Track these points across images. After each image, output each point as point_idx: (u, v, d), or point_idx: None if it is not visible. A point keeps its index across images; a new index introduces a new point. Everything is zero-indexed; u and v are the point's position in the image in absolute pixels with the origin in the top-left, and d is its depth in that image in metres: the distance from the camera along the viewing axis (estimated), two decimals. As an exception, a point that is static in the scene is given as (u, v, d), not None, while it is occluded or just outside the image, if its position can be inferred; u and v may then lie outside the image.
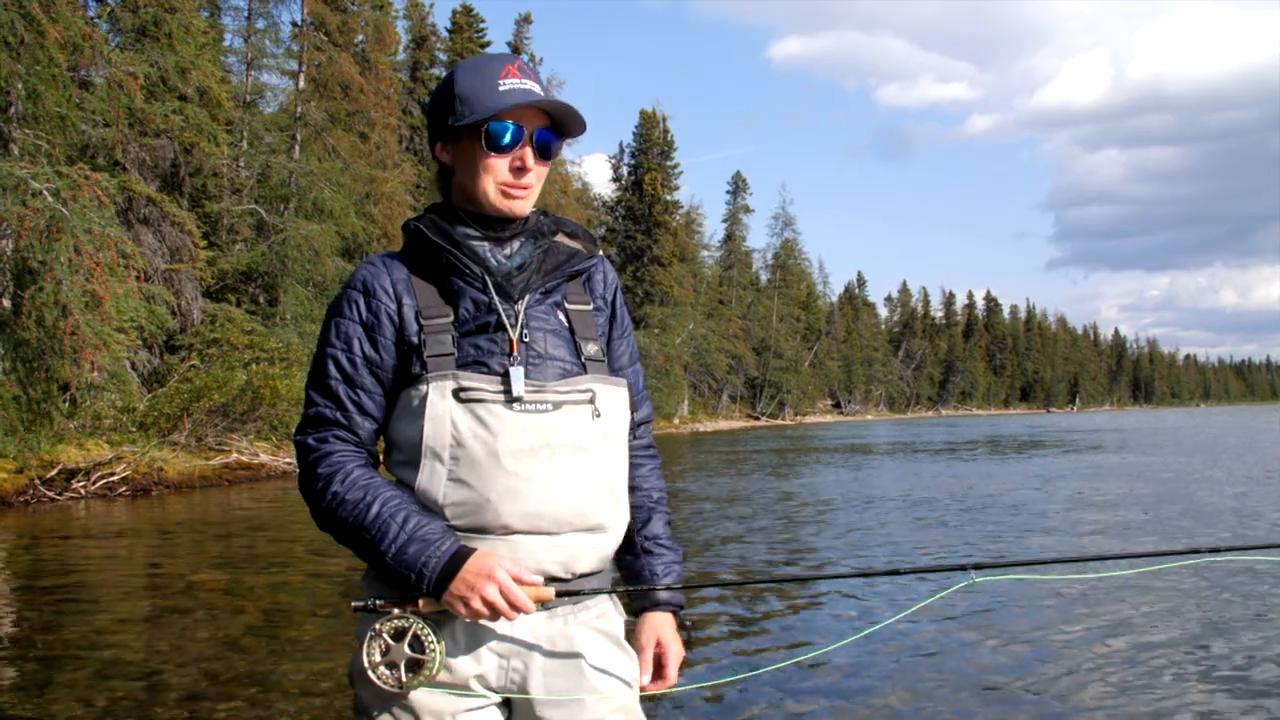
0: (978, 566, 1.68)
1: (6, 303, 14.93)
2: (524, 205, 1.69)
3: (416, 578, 1.52)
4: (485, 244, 1.67)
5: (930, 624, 6.09)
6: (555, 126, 1.69)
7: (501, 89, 1.62)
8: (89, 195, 13.68)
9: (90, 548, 9.95)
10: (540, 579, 1.57)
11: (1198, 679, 4.89)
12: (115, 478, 14.64)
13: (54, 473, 14.13)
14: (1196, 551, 1.75)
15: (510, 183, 1.66)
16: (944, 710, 4.49)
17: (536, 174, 1.68)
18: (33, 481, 13.78)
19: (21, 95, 15.21)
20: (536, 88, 1.65)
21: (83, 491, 14.15)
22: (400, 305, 1.64)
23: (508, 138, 1.64)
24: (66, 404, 15.67)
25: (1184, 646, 5.50)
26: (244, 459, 18.07)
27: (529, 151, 1.66)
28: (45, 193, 13.22)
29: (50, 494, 13.75)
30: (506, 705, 1.65)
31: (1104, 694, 4.67)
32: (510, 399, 1.58)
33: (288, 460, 18.53)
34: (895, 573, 1.81)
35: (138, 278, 15.99)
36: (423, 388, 1.59)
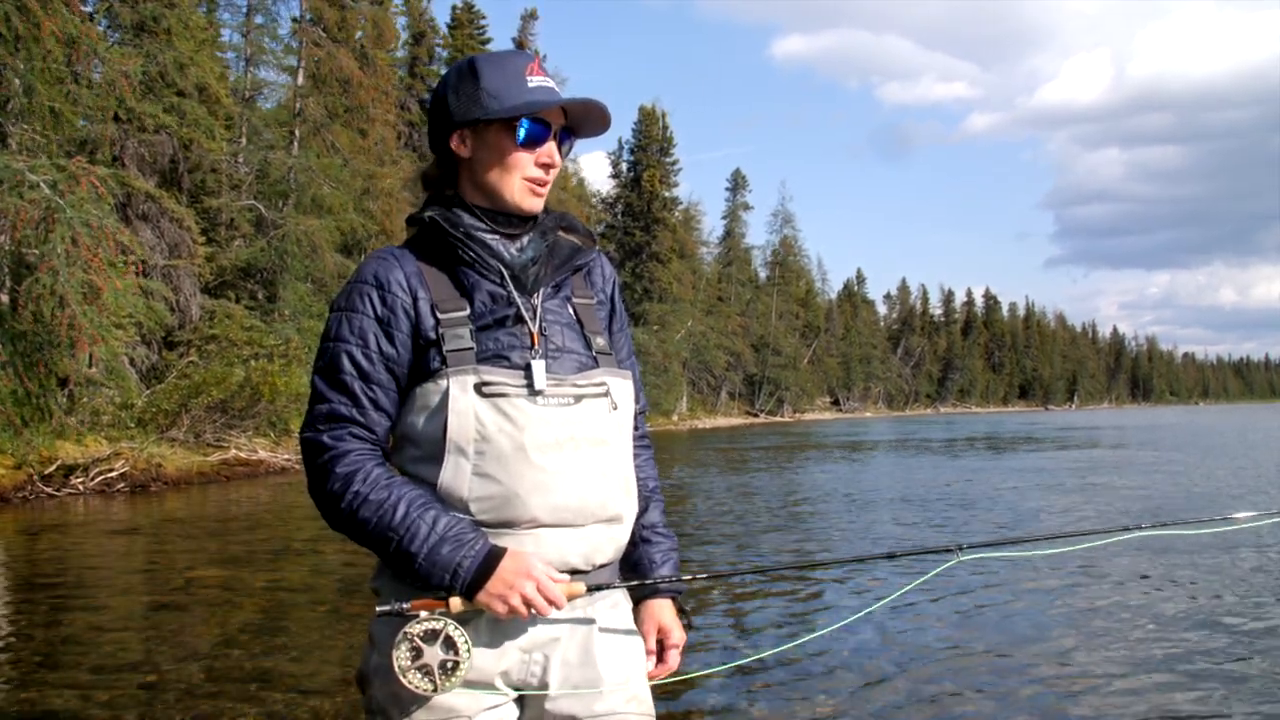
0: (961, 547, 1.81)
1: (4, 297, 14.93)
2: (541, 202, 1.71)
3: (451, 578, 1.51)
4: (497, 238, 1.68)
5: (921, 603, 6.40)
6: (569, 125, 1.72)
7: (531, 85, 1.64)
8: (86, 188, 13.66)
9: (89, 544, 9.95)
10: (567, 577, 1.58)
11: (1166, 638, 4.95)
12: (114, 474, 14.62)
13: (52, 469, 14.11)
14: (1135, 528, 2.05)
15: (537, 178, 1.67)
16: (933, 685, 4.58)
17: (555, 171, 1.71)
18: (31, 477, 13.77)
19: (18, 91, 15.19)
20: (556, 87, 1.69)
21: (81, 488, 14.13)
22: (415, 299, 1.62)
23: (539, 133, 1.66)
24: (65, 399, 15.67)
25: (1148, 609, 5.62)
26: (242, 455, 18.06)
27: (554, 149, 1.68)
28: (42, 185, 13.21)
29: (49, 490, 13.74)
30: (519, 700, 1.65)
31: (1091, 666, 4.71)
32: (533, 393, 1.58)
33: (286, 457, 18.52)
34: (891, 556, 1.93)
35: (136, 271, 15.99)
36: (442, 382, 1.58)
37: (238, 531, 10.71)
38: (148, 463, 15.39)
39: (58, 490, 13.84)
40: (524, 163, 1.66)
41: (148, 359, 20.34)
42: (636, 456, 1.82)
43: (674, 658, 1.79)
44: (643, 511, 1.81)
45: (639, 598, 1.80)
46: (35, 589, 7.57)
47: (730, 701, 4.54)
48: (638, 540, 1.79)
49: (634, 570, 1.79)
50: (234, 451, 18.00)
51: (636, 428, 1.83)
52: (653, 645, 1.78)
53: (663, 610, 1.79)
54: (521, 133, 1.64)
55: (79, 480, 14.21)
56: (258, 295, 25.62)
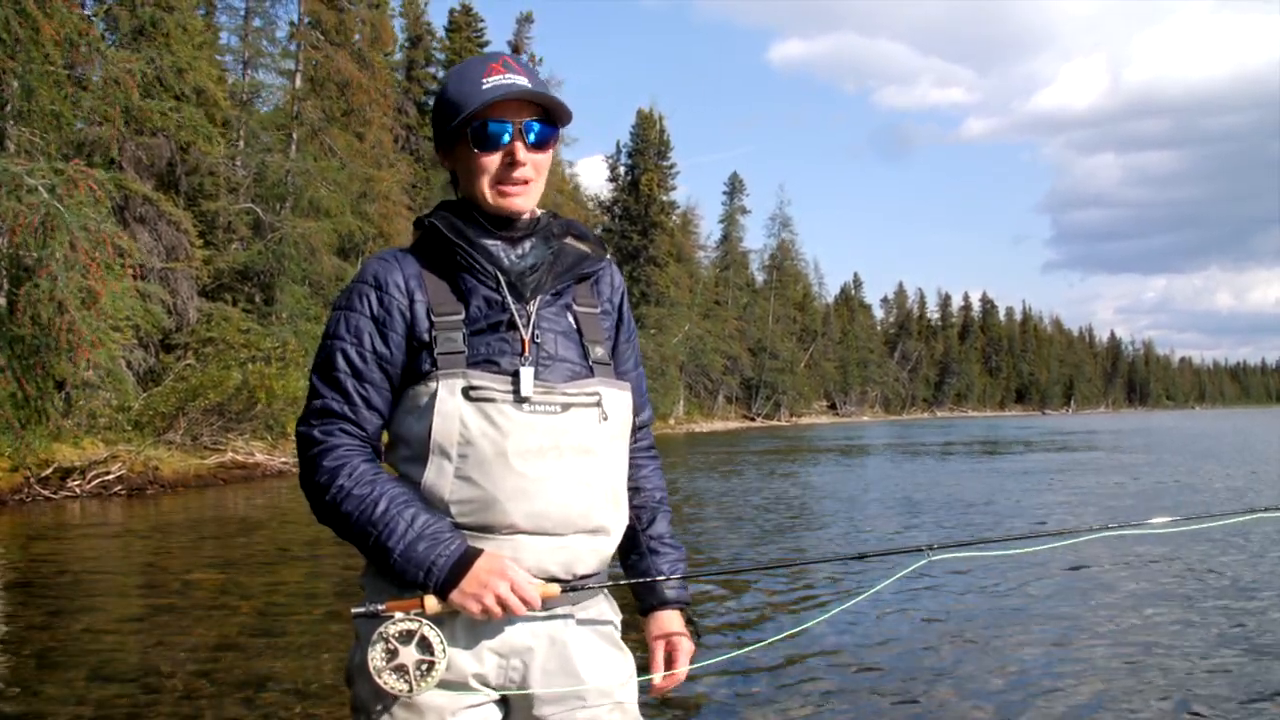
0: (931, 547, 1.84)
1: (2, 300, 14.93)
2: (523, 201, 1.68)
3: (425, 575, 1.52)
4: (498, 243, 1.68)
5: (899, 601, 6.64)
6: (547, 116, 1.68)
7: (485, 87, 1.61)
8: (85, 191, 13.67)
9: (85, 547, 9.96)
10: (540, 581, 1.58)
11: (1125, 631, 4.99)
12: (110, 476, 14.62)
13: (49, 471, 14.12)
14: (1104, 528, 2.17)
15: (504, 179, 1.65)
16: (905, 681, 4.66)
17: (534, 166, 1.67)
18: (28, 480, 13.77)
19: (18, 93, 15.20)
20: (522, 80, 1.63)
21: (78, 490, 14.14)
22: (412, 301, 1.63)
23: (492, 134, 1.63)
24: (62, 402, 15.67)
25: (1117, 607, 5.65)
26: (239, 458, 18.06)
27: (519, 145, 1.64)
28: (40, 189, 13.21)
29: (46, 492, 13.75)
30: (504, 704, 1.65)
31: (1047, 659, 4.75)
32: (519, 399, 1.58)
33: (283, 459, 18.52)
34: (862, 556, 1.94)
35: (134, 275, 15.99)
36: (432, 384, 1.59)
37: (234, 534, 10.72)
38: (144, 465, 15.39)
39: (54, 493, 13.84)
40: (488, 165, 1.64)
41: (145, 362, 20.32)
42: (643, 467, 1.82)
43: (683, 667, 1.79)
44: (651, 522, 1.81)
45: (648, 608, 1.80)
46: (32, 592, 7.58)
47: (709, 697, 4.60)
48: (646, 551, 1.79)
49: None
50: (231, 454, 17.99)
51: (643, 439, 1.83)
52: (661, 655, 1.78)
53: (671, 620, 1.79)
54: (474, 137, 1.62)
55: (76, 483, 14.21)
56: (255, 298, 25.63)
